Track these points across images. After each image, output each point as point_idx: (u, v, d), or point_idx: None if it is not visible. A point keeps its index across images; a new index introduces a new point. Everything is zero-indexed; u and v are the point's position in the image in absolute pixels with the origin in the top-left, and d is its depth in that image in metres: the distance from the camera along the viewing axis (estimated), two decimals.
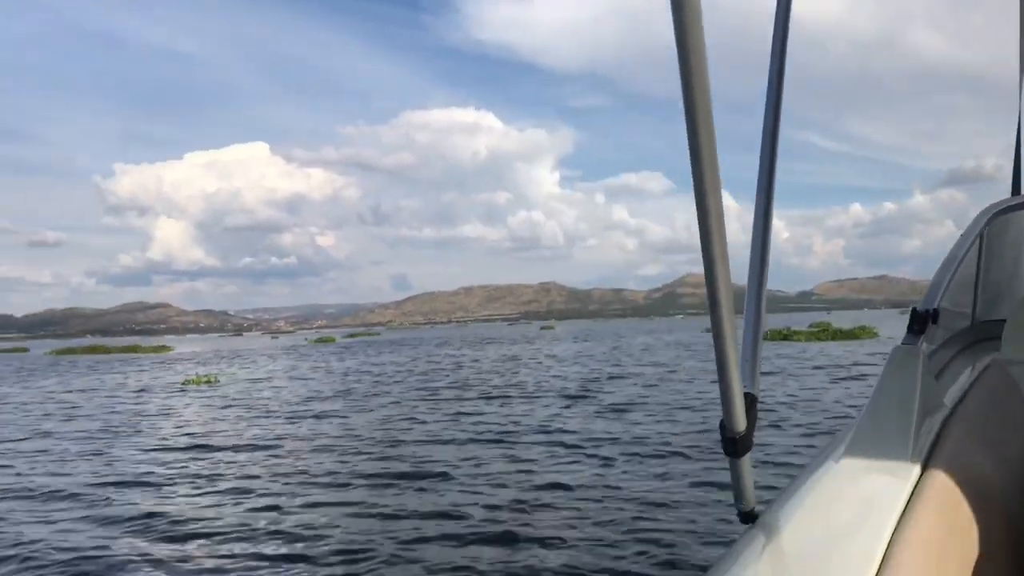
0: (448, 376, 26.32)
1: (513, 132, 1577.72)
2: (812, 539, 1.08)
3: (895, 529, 1.03)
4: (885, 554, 0.96)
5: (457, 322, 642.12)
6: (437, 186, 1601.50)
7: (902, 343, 1.63)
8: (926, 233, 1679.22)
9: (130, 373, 36.13)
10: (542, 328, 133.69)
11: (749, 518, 1.24)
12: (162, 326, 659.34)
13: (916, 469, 1.26)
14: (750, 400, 1.13)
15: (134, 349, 72.65)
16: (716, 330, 0.97)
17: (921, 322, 1.73)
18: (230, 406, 19.07)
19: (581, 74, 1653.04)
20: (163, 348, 75.45)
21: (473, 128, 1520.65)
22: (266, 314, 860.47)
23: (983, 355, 2.29)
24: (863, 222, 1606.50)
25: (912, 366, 1.49)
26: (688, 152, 0.78)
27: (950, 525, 1.15)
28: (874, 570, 0.92)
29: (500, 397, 18.20)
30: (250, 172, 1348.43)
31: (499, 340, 70.24)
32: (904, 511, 1.10)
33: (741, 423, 1.11)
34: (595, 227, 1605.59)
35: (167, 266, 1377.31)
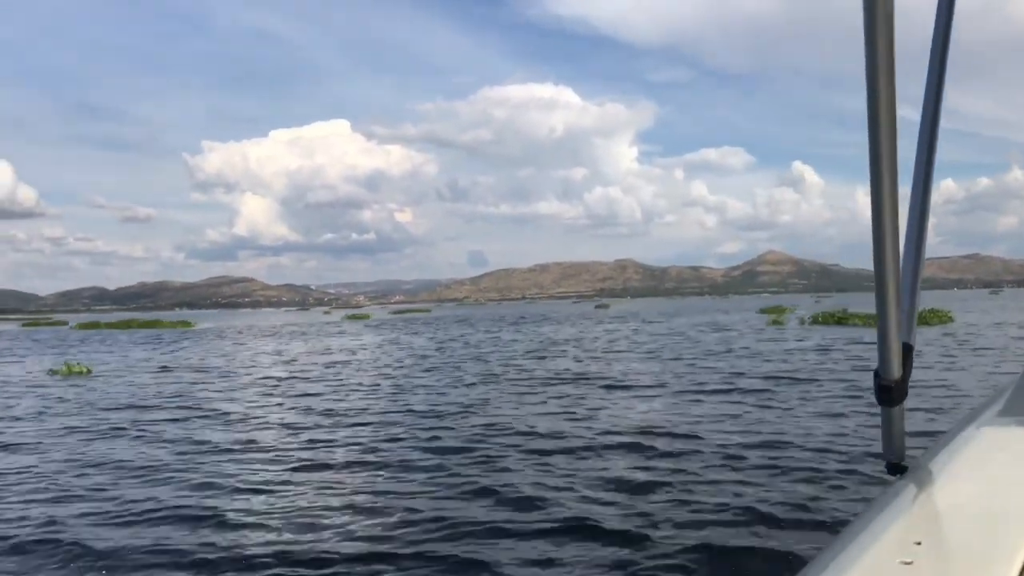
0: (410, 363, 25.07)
1: (591, 107, 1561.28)
2: (968, 494, 1.07)
3: None
4: None
5: (529, 299, 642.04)
6: (514, 162, 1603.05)
7: None
8: (1023, 210, 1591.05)
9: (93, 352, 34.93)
10: (596, 307, 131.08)
11: (897, 469, 1.22)
12: (246, 299, 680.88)
13: None
14: (906, 349, 1.13)
15: (155, 324, 72.36)
16: (880, 278, 1.01)
17: None
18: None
19: (660, 47, 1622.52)
20: (184, 323, 73.30)
21: (551, 104, 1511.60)
22: (346, 289, 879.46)
23: None
24: (955, 198, 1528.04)
25: None
26: (866, 124, 0.88)
27: None
28: None
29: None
30: (332, 149, 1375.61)
31: (547, 318, 68.37)
32: None
33: (896, 371, 1.11)
34: (674, 203, 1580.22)
35: (252, 241, 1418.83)
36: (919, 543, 0.92)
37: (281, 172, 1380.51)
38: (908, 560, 0.88)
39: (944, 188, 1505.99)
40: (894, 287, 1.01)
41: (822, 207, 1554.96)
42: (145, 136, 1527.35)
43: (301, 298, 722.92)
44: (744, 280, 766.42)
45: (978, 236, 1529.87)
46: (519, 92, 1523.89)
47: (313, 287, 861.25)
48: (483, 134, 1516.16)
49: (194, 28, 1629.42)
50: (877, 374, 1.13)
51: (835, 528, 5.39)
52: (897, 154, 0.89)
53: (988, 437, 1.26)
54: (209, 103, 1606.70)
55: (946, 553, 0.94)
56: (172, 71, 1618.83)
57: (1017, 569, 0.83)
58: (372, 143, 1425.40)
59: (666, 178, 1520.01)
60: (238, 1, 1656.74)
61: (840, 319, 38.52)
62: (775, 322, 42.43)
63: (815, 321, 39.56)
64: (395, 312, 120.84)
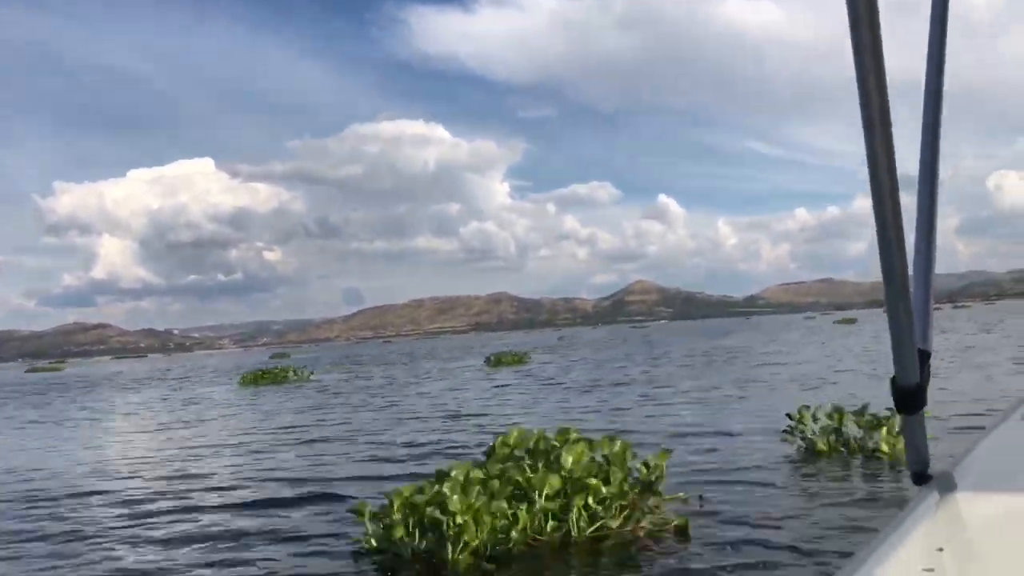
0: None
1: (463, 143, 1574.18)
2: (994, 502, 1.07)
3: None
4: None
5: (403, 336, 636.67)
6: (387, 198, 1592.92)
7: None
8: (870, 236, 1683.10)
9: None
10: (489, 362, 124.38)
11: (922, 479, 1.20)
12: (101, 347, 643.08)
13: None
14: (923, 355, 1.12)
15: None
16: (889, 286, 1.00)
17: None
18: None
19: (529, 85, 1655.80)
20: None
21: (422, 140, 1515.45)
22: (212, 332, 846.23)
23: None
24: (808, 226, 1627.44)
25: None
26: (863, 140, 0.87)
27: None
28: None
29: None
30: (194, 187, 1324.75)
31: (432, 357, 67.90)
32: None
33: (914, 377, 1.09)
34: (547, 237, 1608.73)
35: (112, 285, 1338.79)
36: (941, 550, 0.95)
37: (141, 212, 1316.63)
38: (930, 567, 0.89)
39: (798, 217, 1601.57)
40: (905, 294, 1.03)
41: (686, 237, 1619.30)
42: None
43: (162, 343, 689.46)
44: (614, 309, 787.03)
45: (830, 262, 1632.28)
46: (390, 128, 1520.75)
47: (176, 331, 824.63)
48: (354, 170, 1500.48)
49: (39, 65, 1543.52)
50: (894, 382, 1.12)
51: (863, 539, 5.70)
52: (895, 160, 0.91)
53: (1012, 444, 1.28)
54: (60, 143, 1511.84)
55: (968, 560, 0.97)
56: (18, 110, 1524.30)
57: None
58: (237, 181, 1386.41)
59: (539, 212, 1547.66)
60: (89, 37, 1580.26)
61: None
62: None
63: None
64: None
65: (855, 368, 23.57)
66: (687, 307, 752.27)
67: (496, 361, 41.77)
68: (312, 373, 41.87)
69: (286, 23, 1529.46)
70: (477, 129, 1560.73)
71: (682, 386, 21.41)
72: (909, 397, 1.11)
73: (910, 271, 1.10)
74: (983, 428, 1.40)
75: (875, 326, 52.56)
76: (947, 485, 1.15)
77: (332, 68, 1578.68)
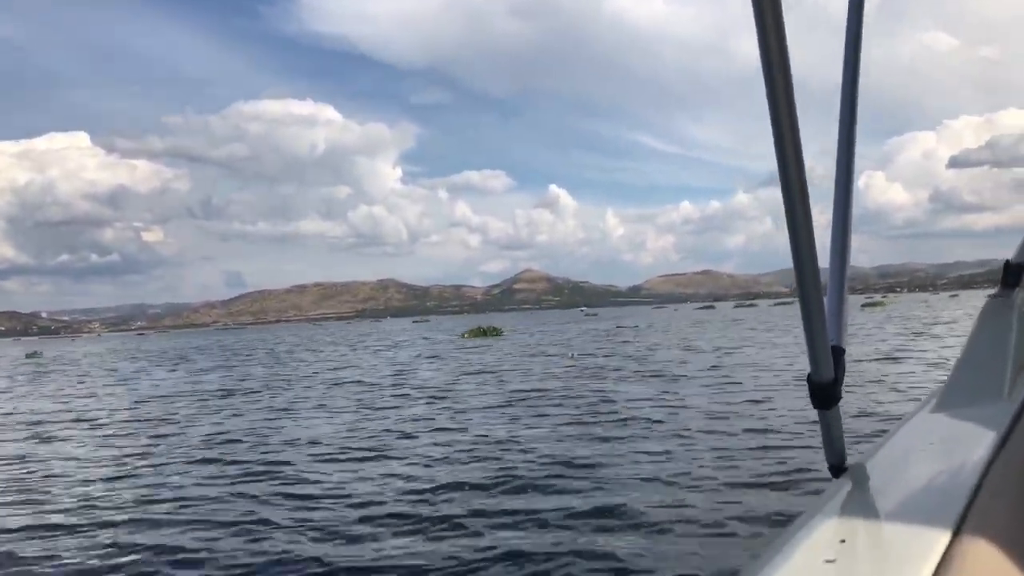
0: None
1: (353, 125, 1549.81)
2: (898, 489, 1.11)
3: (983, 476, 1.05)
4: (970, 501, 0.98)
5: (286, 322, 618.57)
6: (273, 179, 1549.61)
7: (995, 295, 1.67)
8: (748, 229, 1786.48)
9: None
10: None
11: (839, 471, 1.24)
12: None
13: (1008, 417, 1.28)
14: (837, 352, 1.13)
15: None
16: (801, 284, 1.01)
17: (1015, 274, 1.72)
18: None
19: (422, 69, 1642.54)
20: None
21: (311, 120, 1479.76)
22: (83, 315, 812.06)
23: None
24: (692, 219, 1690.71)
25: (1006, 316, 1.55)
26: (772, 140, 0.89)
27: None
28: (957, 517, 0.94)
29: None
30: (68, 163, 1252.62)
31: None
32: (994, 459, 1.11)
33: (828, 373, 1.11)
34: (439, 223, 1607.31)
35: None
36: (843, 541, 0.96)
37: (7, 188, 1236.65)
38: (831, 558, 0.90)
39: (683, 210, 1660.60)
40: (817, 291, 1.01)
41: (576, 227, 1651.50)
42: None
43: (23, 326, 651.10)
44: (503, 298, 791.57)
45: (711, 254, 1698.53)
46: (276, 107, 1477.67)
47: (44, 314, 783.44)
48: (239, 149, 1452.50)
49: None
50: (810, 378, 1.12)
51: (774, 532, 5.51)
52: (803, 159, 0.89)
53: (921, 435, 1.32)
54: None
55: (867, 550, 0.97)
56: None
57: (933, 564, 0.85)
58: (114, 157, 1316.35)
59: (431, 198, 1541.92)
60: None
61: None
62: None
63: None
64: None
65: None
66: (574, 296, 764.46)
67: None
68: None
69: None
70: (368, 112, 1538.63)
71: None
72: (824, 392, 1.14)
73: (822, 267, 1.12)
74: (899, 419, 1.47)
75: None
76: (860, 477, 1.18)
77: (216, 41, 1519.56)
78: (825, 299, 1.15)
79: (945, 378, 1.55)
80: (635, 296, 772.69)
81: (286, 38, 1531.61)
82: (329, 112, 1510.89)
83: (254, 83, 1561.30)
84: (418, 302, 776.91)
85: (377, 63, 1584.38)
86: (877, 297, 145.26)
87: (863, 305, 76.43)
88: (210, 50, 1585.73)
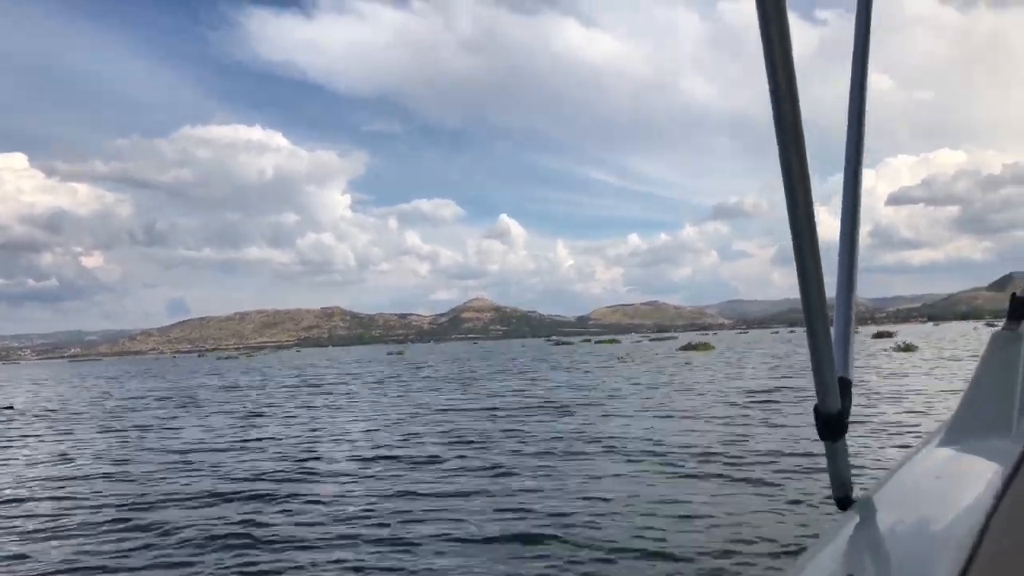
0: None
1: (303, 153, 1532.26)
2: (906, 523, 1.10)
3: (992, 512, 1.05)
4: (980, 537, 0.98)
5: (223, 349, 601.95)
6: (220, 205, 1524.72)
7: (1002, 328, 1.64)
8: (695, 262, 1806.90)
9: None
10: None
11: (846, 503, 1.22)
12: None
13: (1017, 452, 1.27)
14: (844, 384, 1.14)
15: None
16: (809, 315, 1.01)
17: (1022, 307, 1.65)
18: None
19: (373, 99, 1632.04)
20: None
21: (259, 147, 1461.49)
22: (16, 341, 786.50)
23: None
24: (640, 251, 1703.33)
25: (1013, 351, 1.51)
26: (779, 166, 0.89)
27: None
28: (967, 553, 0.93)
29: None
30: (4, 185, 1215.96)
31: None
32: (1003, 495, 1.11)
33: (836, 405, 1.11)
34: (388, 252, 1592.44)
35: None
36: (851, 575, 0.97)
37: None
38: None
39: (631, 242, 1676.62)
40: (824, 322, 1.01)
41: (526, 258, 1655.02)
42: None
43: None
44: (450, 326, 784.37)
45: (658, 285, 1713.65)
46: (225, 133, 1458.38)
47: None
48: (185, 174, 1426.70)
49: None
50: (817, 410, 1.12)
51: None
52: (811, 192, 0.90)
53: (929, 469, 1.30)
54: None
55: None
56: None
57: None
58: (54, 180, 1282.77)
59: (380, 227, 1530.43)
60: None
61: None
62: None
63: None
64: None
65: None
66: (522, 325, 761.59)
67: None
68: None
69: (113, 11, 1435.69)
70: (318, 140, 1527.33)
71: None
72: (831, 424, 1.13)
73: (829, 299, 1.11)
74: (906, 453, 1.44)
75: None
76: (867, 511, 1.16)
77: (163, 66, 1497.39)
78: (832, 330, 1.13)
79: (952, 411, 1.51)
80: (583, 326, 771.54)
81: (235, 64, 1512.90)
82: (278, 139, 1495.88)
83: (202, 109, 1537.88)
84: (363, 330, 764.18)
85: (327, 92, 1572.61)
86: None
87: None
88: (157, 74, 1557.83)
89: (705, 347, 60.78)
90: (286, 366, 68.36)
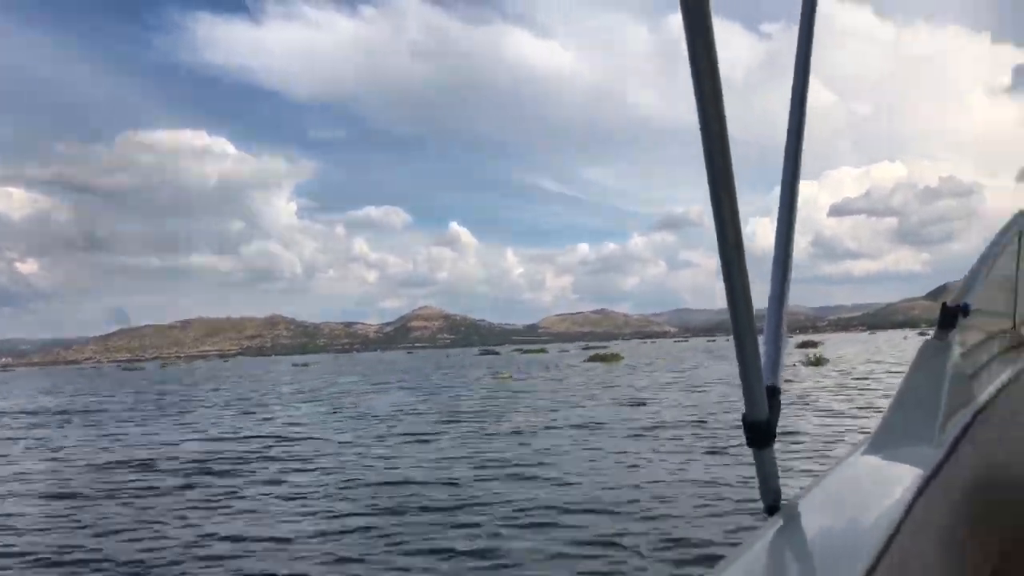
0: None
1: (249, 159, 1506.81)
2: (823, 529, 1.13)
3: (905, 515, 1.08)
4: (890, 541, 1.00)
5: (164, 358, 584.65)
6: (162, 212, 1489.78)
7: (932, 338, 1.67)
8: (642, 271, 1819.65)
9: None
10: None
11: (773, 509, 1.24)
12: None
13: (937, 462, 1.31)
14: (772, 391, 1.15)
15: None
16: (736, 324, 1.02)
17: (950, 317, 1.72)
18: None
19: (322, 106, 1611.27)
20: None
21: (204, 152, 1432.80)
22: None
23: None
24: (589, 260, 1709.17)
25: (941, 360, 1.57)
26: (705, 168, 0.89)
27: (965, 518, 1.20)
28: (874, 556, 0.96)
29: None
30: None
31: None
32: (918, 501, 1.15)
33: (762, 413, 1.12)
34: (335, 259, 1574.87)
35: None
36: None
37: None
38: None
39: (580, 251, 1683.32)
40: (751, 330, 1.02)
41: (476, 265, 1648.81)
42: None
43: None
44: (398, 335, 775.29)
45: (607, 294, 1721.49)
46: (168, 138, 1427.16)
47: None
48: (127, 180, 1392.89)
49: None
50: (745, 418, 1.13)
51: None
52: (736, 199, 0.90)
53: (853, 475, 1.33)
54: None
55: None
56: None
57: None
58: None
59: (327, 234, 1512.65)
60: None
61: None
62: None
63: None
64: None
65: None
66: (471, 334, 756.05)
67: None
68: None
69: (54, 13, 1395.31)
70: (265, 145, 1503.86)
71: None
72: (758, 432, 1.14)
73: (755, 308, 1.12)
74: (834, 460, 1.45)
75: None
76: (791, 516, 1.16)
77: (104, 69, 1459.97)
78: (761, 339, 1.13)
79: (880, 419, 1.55)
80: (532, 335, 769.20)
81: (179, 67, 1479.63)
82: (223, 144, 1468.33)
83: (145, 113, 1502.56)
84: (308, 339, 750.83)
85: (274, 96, 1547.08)
86: None
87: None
88: (97, 76, 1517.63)
89: (614, 358, 57.15)
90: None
